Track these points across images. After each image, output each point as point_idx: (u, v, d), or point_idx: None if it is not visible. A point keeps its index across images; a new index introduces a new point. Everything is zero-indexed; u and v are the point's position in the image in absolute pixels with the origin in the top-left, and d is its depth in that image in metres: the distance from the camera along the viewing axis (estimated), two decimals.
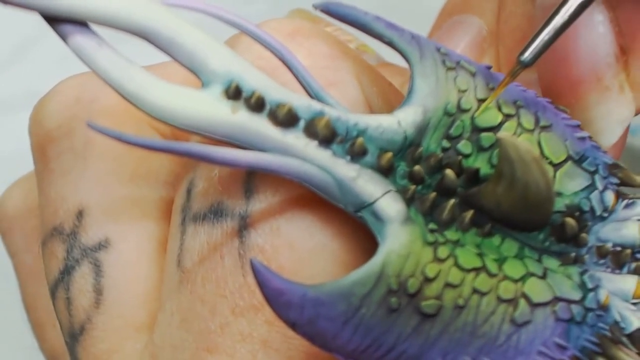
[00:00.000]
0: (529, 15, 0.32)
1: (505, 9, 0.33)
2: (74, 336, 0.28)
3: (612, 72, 0.29)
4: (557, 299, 0.24)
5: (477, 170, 0.25)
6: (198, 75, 0.24)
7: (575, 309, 0.24)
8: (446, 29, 0.34)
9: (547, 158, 0.26)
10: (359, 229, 0.25)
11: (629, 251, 0.26)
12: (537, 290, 0.24)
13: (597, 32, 0.28)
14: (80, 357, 0.28)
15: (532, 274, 0.24)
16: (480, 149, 0.25)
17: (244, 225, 0.25)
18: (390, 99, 0.27)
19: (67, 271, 0.28)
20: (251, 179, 0.25)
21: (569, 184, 0.26)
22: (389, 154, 0.24)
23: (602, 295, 0.25)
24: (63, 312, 0.28)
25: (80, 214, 0.28)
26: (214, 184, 0.26)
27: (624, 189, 0.27)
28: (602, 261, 0.26)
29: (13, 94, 0.53)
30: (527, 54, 0.26)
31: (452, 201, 0.24)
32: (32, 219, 0.33)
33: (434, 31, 0.35)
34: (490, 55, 0.33)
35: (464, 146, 0.25)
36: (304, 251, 0.25)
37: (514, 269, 0.24)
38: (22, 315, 0.34)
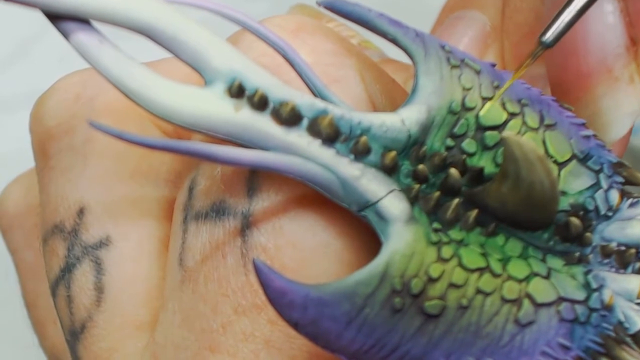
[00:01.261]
0: (535, 10, 0.31)
1: (510, 4, 0.32)
2: (74, 334, 0.28)
3: (622, 63, 0.28)
4: (561, 299, 0.24)
5: (481, 169, 0.25)
6: (201, 73, 0.24)
7: (580, 309, 0.24)
8: (448, 25, 0.34)
9: (551, 157, 0.25)
10: (362, 228, 0.25)
11: (633, 251, 0.26)
12: (541, 290, 0.24)
13: (607, 22, 0.28)
14: (81, 356, 0.28)
15: (536, 274, 0.24)
16: (485, 147, 0.25)
17: (247, 224, 0.25)
18: (394, 96, 0.27)
19: (67, 269, 0.28)
20: (254, 177, 0.25)
21: (574, 183, 0.26)
22: (393, 153, 0.24)
23: (607, 295, 0.25)
24: (64, 310, 0.28)
25: (81, 212, 0.28)
26: (217, 183, 0.26)
27: (628, 188, 0.26)
28: (606, 261, 0.25)
29: (13, 93, 0.52)
30: (549, 35, 0.25)
31: (456, 200, 0.24)
32: (33, 216, 0.33)
33: (436, 27, 0.35)
34: (494, 51, 0.33)
35: (468, 145, 0.25)
36: (306, 250, 0.25)
37: (518, 268, 0.24)
38: (22, 313, 0.34)
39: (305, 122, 0.24)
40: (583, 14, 0.26)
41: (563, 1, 0.27)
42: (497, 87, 0.25)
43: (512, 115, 0.25)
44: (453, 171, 0.24)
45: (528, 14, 0.32)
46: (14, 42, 0.54)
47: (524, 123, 0.25)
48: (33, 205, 0.33)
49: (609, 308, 0.25)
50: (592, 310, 0.25)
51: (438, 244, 0.24)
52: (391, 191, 0.24)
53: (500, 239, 0.25)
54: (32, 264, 0.33)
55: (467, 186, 0.25)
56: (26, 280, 0.34)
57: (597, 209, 0.26)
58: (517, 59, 0.33)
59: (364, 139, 0.24)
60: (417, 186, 0.24)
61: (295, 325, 0.23)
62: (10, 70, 0.54)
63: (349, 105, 0.25)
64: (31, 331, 0.33)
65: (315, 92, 0.24)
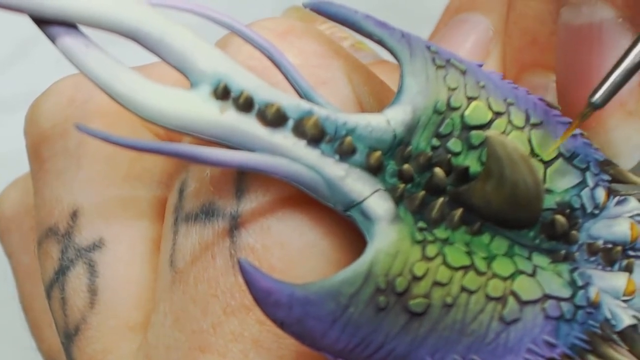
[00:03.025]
0: (541, 17, 0.31)
1: (515, 8, 0.32)
2: (69, 336, 0.28)
3: (636, 98, 0.29)
4: (547, 297, 0.24)
5: (466, 168, 0.25)
6: (186, 75, 0.24)
7: (565, 307, 0.24)
8: (452, 27, 0.34)
9: (537, 155, 0.26)
10: (349, 228, 0.25)
11: (619, 248, 0.26)
12: (526, 288, 0.24)
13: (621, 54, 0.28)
14: (75, 357, 0.28)
15: (522, 272, 0.24)
16: (470, 147, 0.25)
17: (235, 225, 0.25)
18: (382, 98, 0.27)
19: (61, 271, 0.28)
20: (242, 179, 0.25)
21: (560, 182, 0.26)
22: (378, 153, 0.24)
23: (593, 292, 0.25)
24: (58, 312, 0.29)
25: (74, 215, 0.28)
26: (206, 184, 0.26)
27: (615, 186, 0.27)
28: (593, 258, 0.26)
29: (13, 94, 0.53)
30: (598, 96, 0.25)
31: (441, 199, 0.24)
32: (29, 219, 0.33)
33: (439, 27, 0.35)
34: (495, 56, 0.33)
35: (453, 144, 0.25)
36: (294, 250, 0.25)
37: (503, 267, 0.24)
38: (20, 315, 0.34)
39: (290, 123, 0.24)
40: (632, 76, 0.26)
41: (579, 29, 0.27)
42: (482, 87, 0.26)
43: (498, 114, 0.25)
44: (438, 170, 0.24)
45: (533, 21, 0.32)
46: (13, 43, 0.55)
47: (510, 122, 0.25)
48: (30, 208, 0.33)
49: (595, 305, 0.25)
50: (577, 307, 0.25)
51: (422, 243, 0.24)
52: (376, 191, 0.24)
53: (485, 238, 0.25)
54: (28, 267, 0.34)
55: (453, 185, 0.25)
56: (23, 283, 0.34)
57: (583, 207, 0.26)
58: (518, 64, 0.33)
59: (349, 139, 0.24)
60: (402, 186, 0.24)
61: (281, 325, 0.23)
62: (10, 71, 0.54)
63: (336, 107, 0.25)
64: (29, 334, 0.34)
65: (302, 94, 0.25)
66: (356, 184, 0.24)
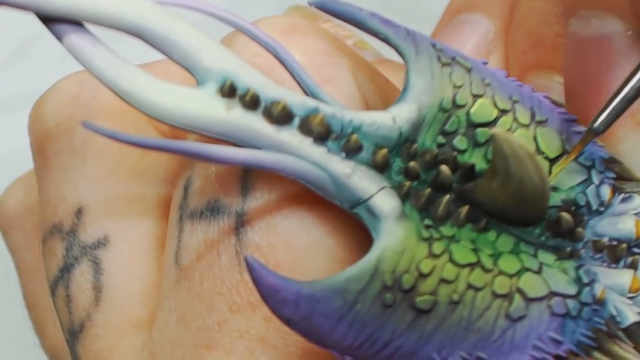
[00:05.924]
0: (545, 19, 0.31)
1: (520, 9, 0.32)
2: (73, 334, 0.28)
3: None
4: (553, 294, 0.24)
5: (472, 166, 0.25)
6: (193, 73, 0.24)
7: (571, 304, 0.25)
8: (452, 28, 0.34)
9: (543, 153, 0.26)
10: (355, 226, 0.25)
11: (625, 245, 0.26)
12: (532, 285, 0.24)
13: (632, 67, 0.28)
14: (80, 355, 0.28)
15: (528, 269, 0.24)
16: (476, 144, 0.25)
17: (241, 223, 0.25)
18: (387, 96, 0.27)
19: (66, 269, 0.28)
20: (248, 176, 0.25)
21: (565, 179, 0.26)
22: (384, 150, 0.24)
23: (598, 289, 0.25)
24: (63, 309, 0.29)
25: (79, 212, 0.28)
26: (211, 182, 0.26)
27: (620, 183, 0.27)
28: (598, 256, 0.26)
29: (13, 93, 0.53)
30: (599, 123, 0.26)
31: (447, 197, 0.24)
32: (33, 217, 0.33)
33: (440, 28, 0.35)
34: (496, 57, 0.33)
35: (459, 142, 0.25)
36: (300, 248, 0.25)
37: (509, 264, 0.24)
38: (23, 313, 0.34)
39: (296, 121, 0.24)
40: (633, 102, 0.26)
41: (588, 41, 0.27)
42: (487, 85, 0.26)
43: (503, 112, 0.25)
44: (444, 168, 0.25)
45: (537, 22, 0.32)
46: (14, 42, 0.55)
47: (515, 120, 0.26)
48: (33, 206, 0.33)
49: (600, 302, 0.25)
50: (583, 304, 0.25)
51: (429, 240, 0.24)
52: (382, 188, 0.24)
53: (491, 235, 0.25)
54: (32, 264, 0.34)
55: (459, 183, 0.25)
56: (26, 280, 0.34)
57: (588, 204, 0.26)
58: (522, 66, 0.33)
59: (354, 136, 0.24)
60: (408, 183, 0.24)
61: (288, 322, 0.23)
62: (10, 70, 0.54)
63: (341, 104, 0.25)
64: (32, 331, 0.34)
65: (307, 92, 0.25)
66: (362, 181, 0.24)
